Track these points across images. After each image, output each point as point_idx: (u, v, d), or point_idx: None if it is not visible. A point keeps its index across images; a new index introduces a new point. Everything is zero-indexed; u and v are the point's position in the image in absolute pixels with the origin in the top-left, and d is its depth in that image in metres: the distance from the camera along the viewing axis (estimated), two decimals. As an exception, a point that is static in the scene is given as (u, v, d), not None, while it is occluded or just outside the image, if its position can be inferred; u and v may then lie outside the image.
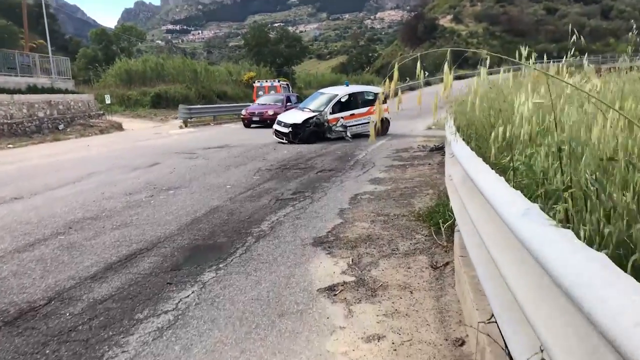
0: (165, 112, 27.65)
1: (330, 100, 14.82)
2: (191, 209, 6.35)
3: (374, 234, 5.18)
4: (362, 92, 15.83)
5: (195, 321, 3.29)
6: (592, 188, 1.74)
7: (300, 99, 22.17)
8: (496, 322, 2.20)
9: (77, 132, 18.97)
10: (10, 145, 15.14)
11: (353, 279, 3.98)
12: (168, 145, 14.46)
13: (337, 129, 14.38)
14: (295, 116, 14.69)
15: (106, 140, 16.66)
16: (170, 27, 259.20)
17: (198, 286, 3.88)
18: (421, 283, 3.87)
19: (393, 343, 2.94)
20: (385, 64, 68.11)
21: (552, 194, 2.18)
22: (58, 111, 19.67)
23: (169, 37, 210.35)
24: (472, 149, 3.91)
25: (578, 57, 3.13)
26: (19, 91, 18.67)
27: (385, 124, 14.91)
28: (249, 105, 22.44)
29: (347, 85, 17.32)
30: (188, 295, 3.71)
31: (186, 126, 21.96)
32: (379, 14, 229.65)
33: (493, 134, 2.64)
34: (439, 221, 5.10)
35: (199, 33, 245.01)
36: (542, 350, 1.50)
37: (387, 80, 1.87)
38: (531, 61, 2.53)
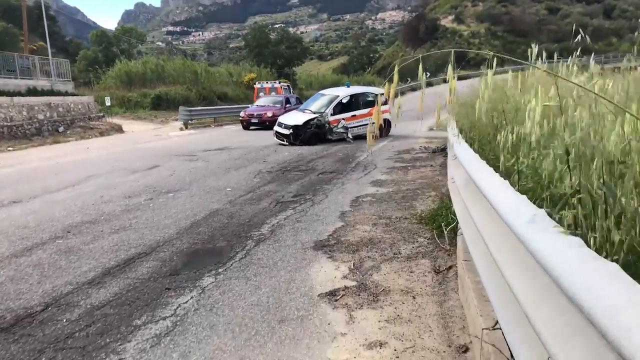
0: (165, 113, 27.61)
1: (331, 102, 14.76)
2: (191, 212, 6.29)
3: (376, 237, 5.12)
4: (363, 93, 15.75)
5: (194, 327, 3.24)
6: (599, 192, 1.69)
7: (300, 101, 22.06)
8: (501, 329, 2.14)
9: (77, 134, 18.95)
10: (10, 148, 15.11)
11: (354, 283, 3.92)
12: (168, 147, 14.42)
13: (338, 130, 14.32)
14: (296, 118, 14.63)
15: (106, 143, 16.63)
16: (170, 28, 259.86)
17: (197, 291, 3.82)
18: (424, 288, 3.80)
19: (395, 350, 2.88)
20: (386, 64, 68.02)
21: (558, 198, 2.11)
22: (58, 113, 19.65)
23: (169, 39, 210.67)
24: (475, 151, 3.86)
25: (583, 57, 3.07)
26: (18, 93, 18.66)
27: (386, 125, 14.84)
28: (248, 107, 22.28)
29: (348, 87, 17.25)
30: (187, 301, 3.65)
31: (186, 128, 21.92)
32: (380, 15, 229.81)
33: (501, 138, 2.57)
34: (442, 224, 5.04)
35: (199, 34, 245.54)
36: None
37: (387, 83, 1.81)
38: (539, 61, 2.46)
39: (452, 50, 1.74)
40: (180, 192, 7.58)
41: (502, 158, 2.39)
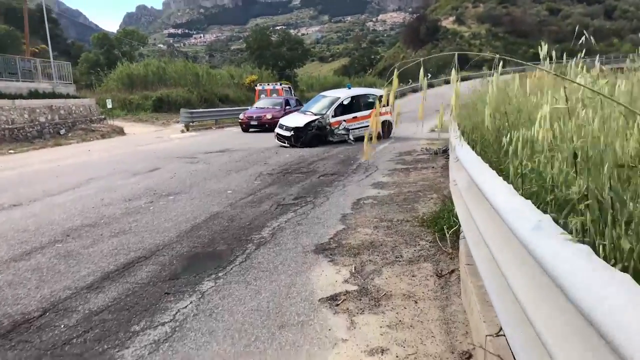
0: (167, 116, 27.60)
1: (332, 103, 14.71)
2: (191, 215, 6.25)
3: (377, 240, 5.07)
4: (364, 95, 15.68)
5: (193, 333, 3.20)
6: (607, 197, 1.64)
7: (299, 102, 21.98)
8: (504, 335, 2.09)
9: (79, 136, 18.94)
10: (12, 151, 15.11)
11: (356, 288, 3.88)
12: (169, 149, 14.40)
13: (339, 132, 14.28)
14: (297, 119, 14.58)
15: (107, 145, 16.61)
16: (172, 30, 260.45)
17: (196, 296, 3.78)
18: (426, 292, 3.76)
19: (397, 357, 2.84)
20: (387, 66, 67.99)
21: (563, 202, 2.07)
22: (59, 116, 19.66)
23: (171, 41, 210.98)
24: (477, 153, 3.81)
25: (587, 59, 3.02)
26: (20, 96, 18.66)
27: (387, 126, 14.79)
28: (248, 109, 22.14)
29: (350, 88, 17.21)
30: (186, 306, 3.61)
31: (188, 130, 21.89)
32: (381, 16, 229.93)
33: (507, 143, 2.50)
34: (444, 227, 4.99)
35: (200, 37, 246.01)
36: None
37: (387, 87, 1.77)
38: (547, 62, 2.41)
39: (456, 53, 1.69)
40: (181, 194, 7.55)
41: (511, 169, 2.31)
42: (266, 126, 18.62)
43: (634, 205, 1.64)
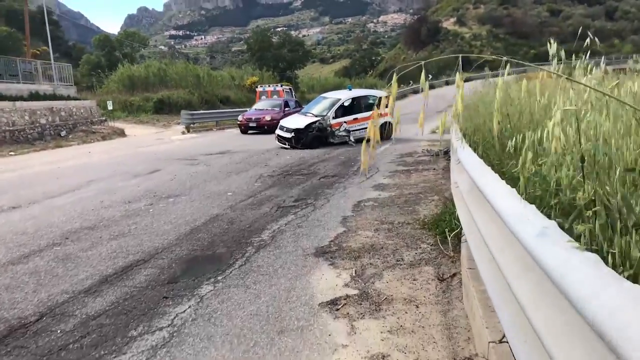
0: (168, 117, 27.59)
1: (333, 105, 14.66)
2: (190, 217, 6.21)
3: (378, 243, 5.02)
4: (365, 96, 15.64)
5: (191, 339, 3.15)
6: (615, 203, 1.59)
7: (299, 104, 21.90)
8: (508, 342, 2.04)
9: (79, 138, 18.92)
10: (12, 153, 15.09)
11: (356, 292, 3.83)
12: (170, 151, 14.37)
13: (340, 133, 14.23)
14: (297, 121, 14.53)
15: (108, 147, 16.58)
16: (173, 32, 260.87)
17: (195, 300, 3.74)
18: (427, 296, 3.70)
19: (398, 363, 2.79)
20: (388, 67, 68.02)
21: (568, 206, 2.02)
22: (60, 118, 19.64)
23: (172, 43, 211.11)
24: (479, 155, 3.76)
25: (590, 60, 2.98)
26: (21, 98, 18.63)
27: (387, 127, 14.74)
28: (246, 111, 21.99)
29: (350, 89, 17.16)
30: (184, 310, 3.56)
31: (189, 132, 21.86)
32: (381, 18, 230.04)
33: (518, 148, 2.43)
34: (445, 230, 4.94)
35: (201, 38, 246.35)
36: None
37: (387, 89, 1.72)
38: (555, 61, 2.36)
39: (460, 55, 1.65)
40: (181, 197, 7.50)
41: (522, 180, 2.24)
42: (265, 128, 18.54)
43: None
